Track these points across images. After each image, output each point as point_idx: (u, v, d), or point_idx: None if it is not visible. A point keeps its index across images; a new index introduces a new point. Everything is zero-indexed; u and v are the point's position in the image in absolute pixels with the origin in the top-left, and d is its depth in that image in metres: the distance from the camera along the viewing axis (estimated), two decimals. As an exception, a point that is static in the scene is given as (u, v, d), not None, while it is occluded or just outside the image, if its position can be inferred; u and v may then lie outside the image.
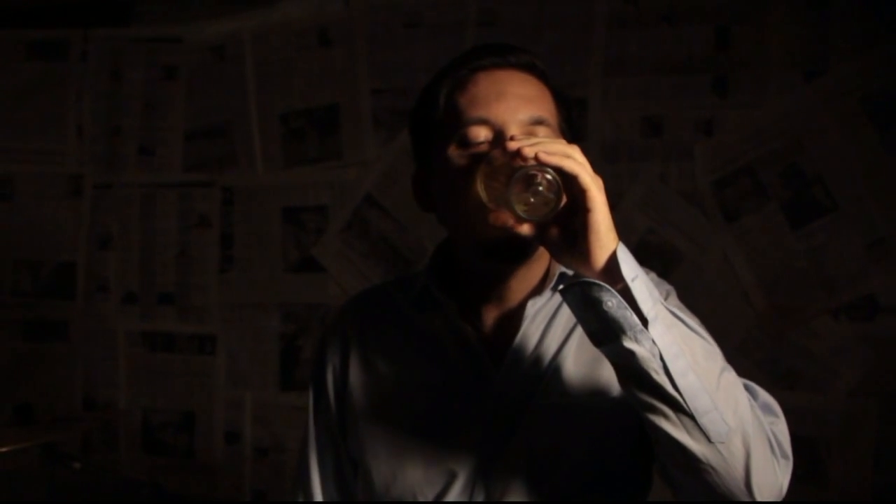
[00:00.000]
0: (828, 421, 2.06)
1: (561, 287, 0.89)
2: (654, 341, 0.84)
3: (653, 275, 1.11)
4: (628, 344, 0.84)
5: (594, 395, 1.04)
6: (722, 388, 0.87)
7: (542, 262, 1.09)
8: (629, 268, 0.85)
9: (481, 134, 1.00)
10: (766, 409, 0.95)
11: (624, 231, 0.89)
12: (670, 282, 1.12)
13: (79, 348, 2.70)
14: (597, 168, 0.87)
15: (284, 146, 2.51)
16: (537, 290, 1.08)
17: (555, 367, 1.06)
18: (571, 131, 1.08)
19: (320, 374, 1.20)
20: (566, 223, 0.89)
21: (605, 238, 0.86)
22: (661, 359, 0.84)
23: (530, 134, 0.98)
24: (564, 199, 0.87)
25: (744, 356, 2.09)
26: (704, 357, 0.88)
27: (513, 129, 0.98)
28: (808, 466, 2.05)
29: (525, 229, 0.90)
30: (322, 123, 2.47)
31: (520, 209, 0.87)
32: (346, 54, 2.44)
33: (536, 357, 1.07)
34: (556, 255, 0.92)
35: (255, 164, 2.54)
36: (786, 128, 2.09)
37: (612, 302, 0.84)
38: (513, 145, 0.88)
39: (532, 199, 0.87)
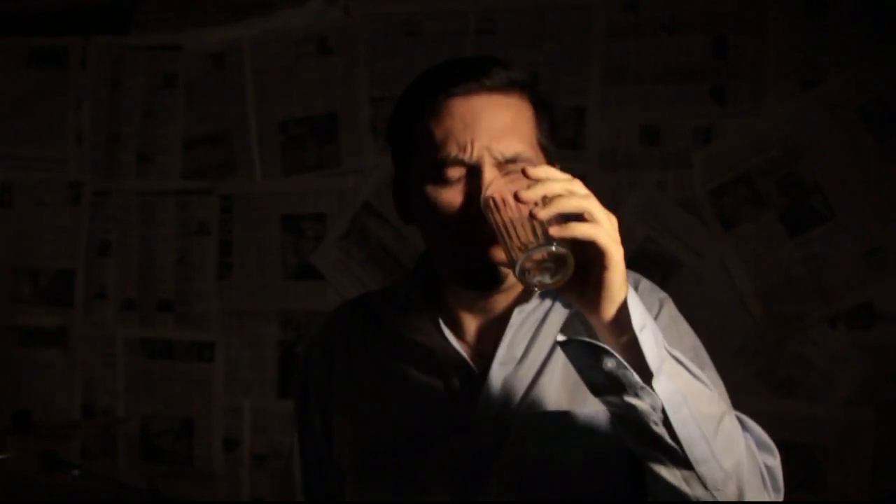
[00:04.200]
0: (825, 428, 2.06)
1: (560, 340, 0.88)
2: (655, 392, 0.83)
3: (647, 282, 1.10)
4: (629, 399, 0.84)
5: (584, 405, 1.02)
6: (721, 433, 0.87)
7: None
8: (638, 317, 0.84)
9: (457, 173, 0.99)
10: (761, 445, 0.95)
11: (622, 239, 0.87)
12: (668, 290, 1.11)
13: (77, 355, 2.69)
14: (595, 177, 0.87)
15: (283, 154, 2.51)
16: (524, 298, 1.07)
17: (542, 376, 1.04)
18: (554, 141, 1.07)
19: (304, 387, 1.21)
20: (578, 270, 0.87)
21: (616, 293, 0.85)
22: (663, 411, 0.84)
23: (506, 172, 0.96)
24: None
25: (741, 364, 2.09)
26: (707, 404, 0.88)
27: (488, 169, 0.97)
28: (806, 474, 2.05)
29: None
30: (321, 131, 2.47)
31: (533, 282, 0.86)
32: (345, 62, 2.45)
33: (523, 366, 1.05)
34: (563, 294, 0.91)
35: (254, 171, 2.54)
36: (784, 136, 2.10)
37: (612, 363, 0.83)
38: (525, 200, 0.85)
39: (542, 280, 0.86)
